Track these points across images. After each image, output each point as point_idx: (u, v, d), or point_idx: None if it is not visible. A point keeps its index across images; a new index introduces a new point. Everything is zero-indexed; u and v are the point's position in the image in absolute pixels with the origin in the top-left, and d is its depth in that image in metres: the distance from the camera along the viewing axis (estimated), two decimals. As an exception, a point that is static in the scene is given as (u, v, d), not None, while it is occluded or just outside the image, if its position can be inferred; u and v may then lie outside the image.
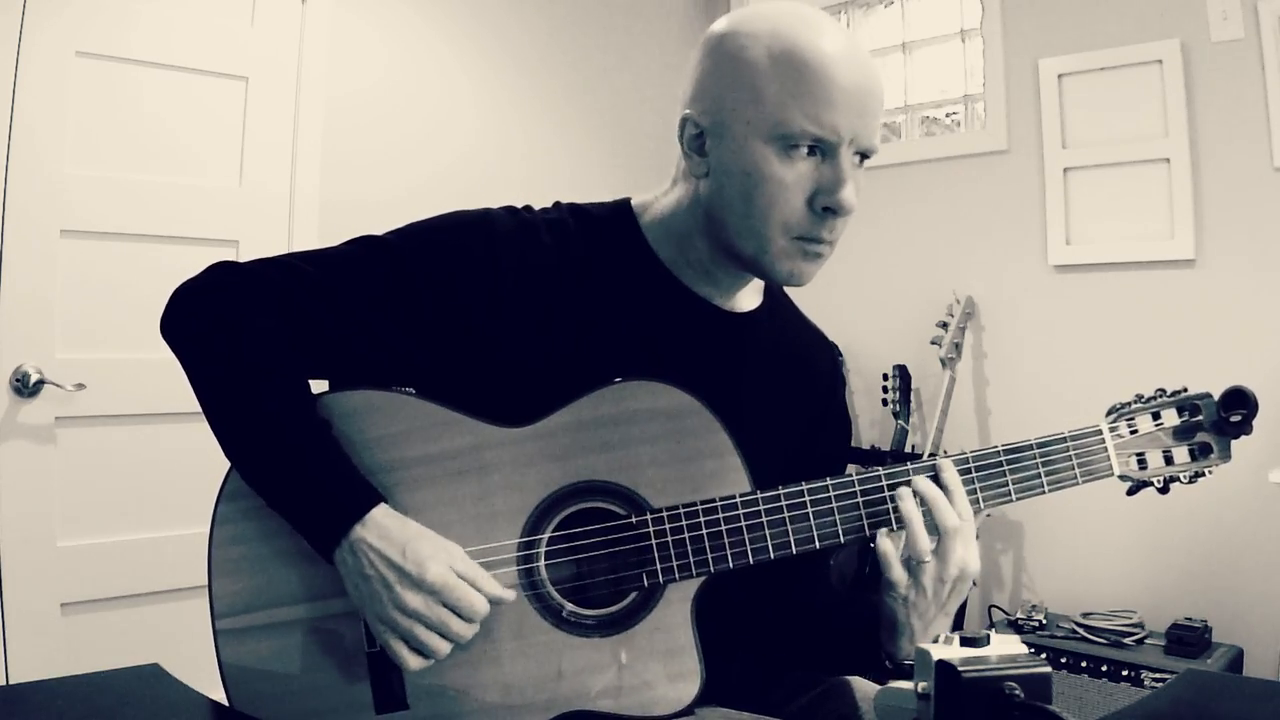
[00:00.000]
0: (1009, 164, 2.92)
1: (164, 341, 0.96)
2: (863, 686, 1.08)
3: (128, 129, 2.21)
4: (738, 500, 0.93)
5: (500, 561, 0.92)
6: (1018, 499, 0.98)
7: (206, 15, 2.32)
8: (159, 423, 2.21)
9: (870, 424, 3.21)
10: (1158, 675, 2.27)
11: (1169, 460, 1.02)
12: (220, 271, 0.97)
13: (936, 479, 0.95)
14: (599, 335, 0.99)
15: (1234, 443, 1.03)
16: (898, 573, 0.92)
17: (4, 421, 2.05)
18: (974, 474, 0.97)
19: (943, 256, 3.05)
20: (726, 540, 0.92)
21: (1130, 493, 1.03)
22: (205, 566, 0.92)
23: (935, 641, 0.75)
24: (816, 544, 0.93)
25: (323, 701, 0.90)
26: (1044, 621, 2.56)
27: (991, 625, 2.70)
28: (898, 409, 2.92)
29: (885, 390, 2.96)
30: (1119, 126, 2.70)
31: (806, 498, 0.93)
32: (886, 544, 0.94)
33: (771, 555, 0.93)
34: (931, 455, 1.00)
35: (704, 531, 0.92)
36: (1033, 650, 0.73)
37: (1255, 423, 1.01)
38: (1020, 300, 2.89)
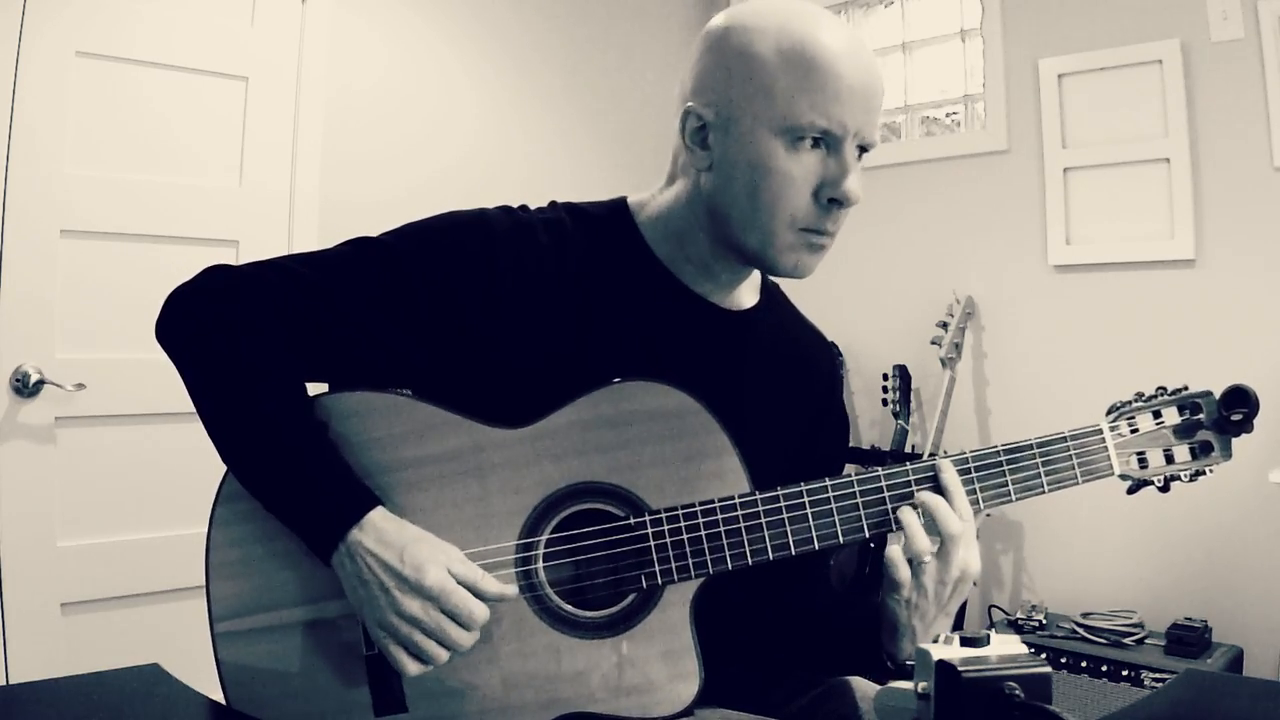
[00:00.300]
0: (1009, 164, 2.92)
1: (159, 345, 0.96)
2: (863, 687, 1.08)
3: (128, 129, 2.21)
4: (737, 501, 0.93)
5: (499, 564, 0.92)
6: (1018, 499, 0.97)
7: (206, 15, 2.32)
8: (159, 423, 2.21)
9: (870, 424, 3.20)
10: (1158, 675, 2.27)
11: (1170, 459, 1.02)
12: (214, 275, 0.96)
13: (936, 481, 0.95)
14: (597, 334, 0.99)
15: (1234, 442, 1.03)
16: (903, 573, 0.93)
17: (4, 421, 2.04)
18: (974, 474, 0.96)
19: (943, 256, 3.04)
20: (725, 542, 0.92)
21: (1131, 491, 1.03)
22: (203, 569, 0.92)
23: (935, 642, 0.75)
24: (815, 545, 0.93)
25: (322, 704, 0.90)
26: (1044, 621, 2.56)
27: (991, 625, 2.70)
28: (898, 409, 2.92)
29: (885, 390, 2.96)
30: (1119, 126, 2.70)
31: (805, 499, 0.93)
32: (895, 547, 0.94)
33: (770, 556, 0.93)
34: (931, 455, 1.00)
35: (703, 533, 0.92)
36: (1033, 650, 0.73)
37: (1256, 422, 1.01)
38: (1020, 300, 2.89)
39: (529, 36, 2.97)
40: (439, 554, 0.87)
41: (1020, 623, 2.57)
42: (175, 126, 2.28)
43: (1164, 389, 1.03)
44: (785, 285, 1.17)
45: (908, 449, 2.89)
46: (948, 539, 0.92)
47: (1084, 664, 2.37)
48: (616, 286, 1.01)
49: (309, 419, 0.92)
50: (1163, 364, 2.56)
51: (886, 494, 0.95)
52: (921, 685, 0.73)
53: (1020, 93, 2.89)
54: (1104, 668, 2.34)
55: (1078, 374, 2.74)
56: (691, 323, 1.03)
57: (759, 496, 0.93)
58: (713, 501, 0.93)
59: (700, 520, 0.92)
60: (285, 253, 1.71)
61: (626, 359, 0.98)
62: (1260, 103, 2.47)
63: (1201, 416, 1.02)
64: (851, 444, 3.17)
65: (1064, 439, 0.99)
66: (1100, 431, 1.00)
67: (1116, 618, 2.47)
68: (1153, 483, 1.02)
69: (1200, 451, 1.02)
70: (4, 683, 1.96)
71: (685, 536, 0.92)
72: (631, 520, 0.93)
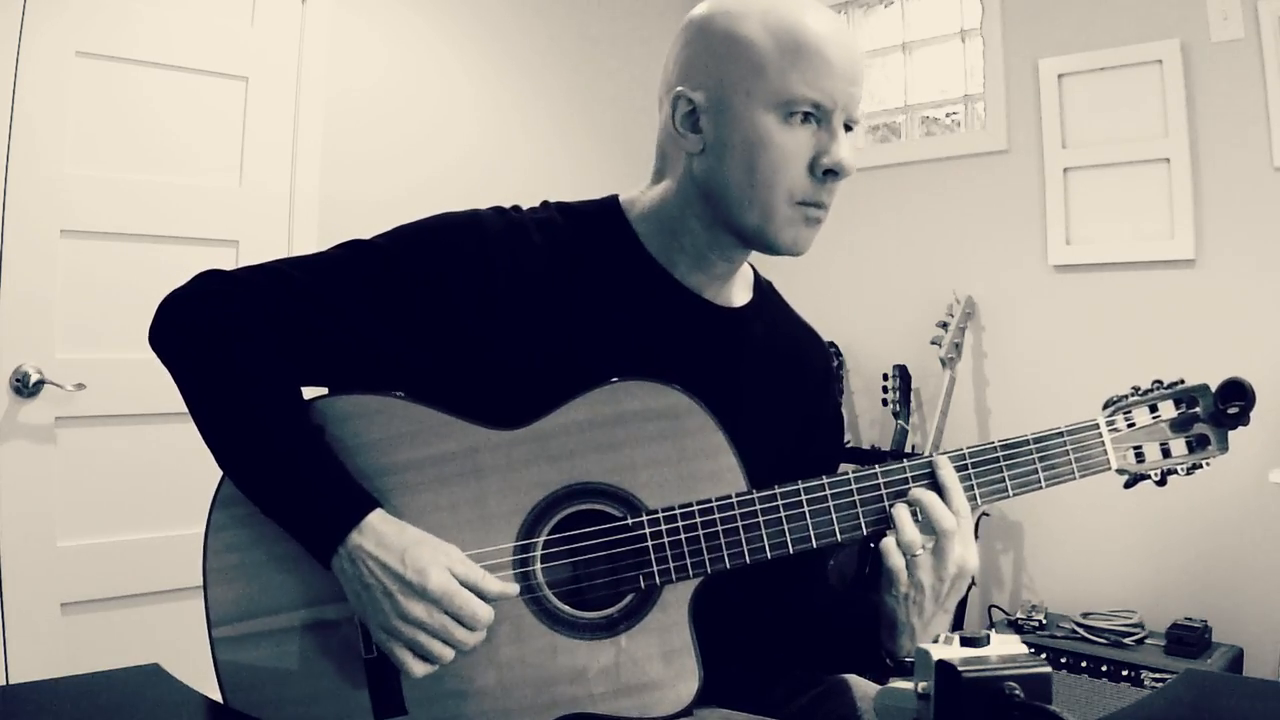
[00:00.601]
0: (1009, 164, 2.92)
1: (153, 352, 0.96)
2: (862, 686, 1.08)
3: (128, 129, 2.21)
4: (734, 501, 0.93)
5: (497, 565, 0.92)
6: (1015, 495, 0.97)
7: (206, 15, 2.32)
8: (159, 423, 2.21)
9: (870, 424, 3.20)
10: (1158, 675, 2.27)
11: (1166, 453, 1.02)
12: (207, 280, 0.96)
13: (933, 477, 0.95)
14: (591, 333, 0.99)
15: (1234, 442, 1.03)
16: (896, 560, 0.93)
17: (4, 421, 2.04)
18: (971, 471, 0.97)
19: (943, 256, 3.04)
20: (723, 541, 0.92)
21: (1128, 486, 1.03)
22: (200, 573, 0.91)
23: (935, 641, 0.74)
24: (814, 544, 0.93)
25: (321, 708, 0.90)
26: (1044, 621, 2.56)
27: (991, 625, 2.70)
28: (898, 409, 2.92)
29: (885, 390, 2.96)
30: (1119, 126, 2.70)
31: (803, 497, 0.93)
32: (889, 539, 0.94)
33: (769, 555, 0.93)
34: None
35: (700, 533, 0.92)
36: (1033, 650, 0.73)
37: (1255, 424, 1.01)
38: (1020, 300, 2.89)
39: (529, 36, 2.97)
40: (440, 555, 0.87)
41: (1020, 623, 2.57)
42: (175, 126, 2.28)
43: (1160, 382, 1.03)
44: (783, 285, 1.17)
45: (908, 449, 2.89)
46: (942, 534, 0.92)
47: (1084, 664, 2.37)
48: (610, 284, 1.01)
49: (304, 423, 0.92)
50: (1163, 364, 2.54)
51: (884, 491, 0.95)
52: (921, 685, 0.73)
53: (1020, 93, 2.89)
54: (1104, 668, 2.34)
55: (1078, 374, 2.74)
56: (686, 320, 1.03)
57: (756, 496, 0.93)
58: (710, 501, 0.93)
59: (698, 520, 0.92)
60: (285, 253, 1.71)
61: (621, 356, 0.98)
62: (1260, 103, 2.47)
63: (1198, 410, 1.02)
64: (852, 444, 3.17)
65: (1060, 434, 0.99)
66: (1097, 426, 1.00)
67: (1116, 618, 2.47)
68: (1149, 477, 1.02)
69: (1197, 445, 1.02)
70: (4, 683, 1.96)
71: (683, 536, 0.92)
72: (629, 521, 0.93)
